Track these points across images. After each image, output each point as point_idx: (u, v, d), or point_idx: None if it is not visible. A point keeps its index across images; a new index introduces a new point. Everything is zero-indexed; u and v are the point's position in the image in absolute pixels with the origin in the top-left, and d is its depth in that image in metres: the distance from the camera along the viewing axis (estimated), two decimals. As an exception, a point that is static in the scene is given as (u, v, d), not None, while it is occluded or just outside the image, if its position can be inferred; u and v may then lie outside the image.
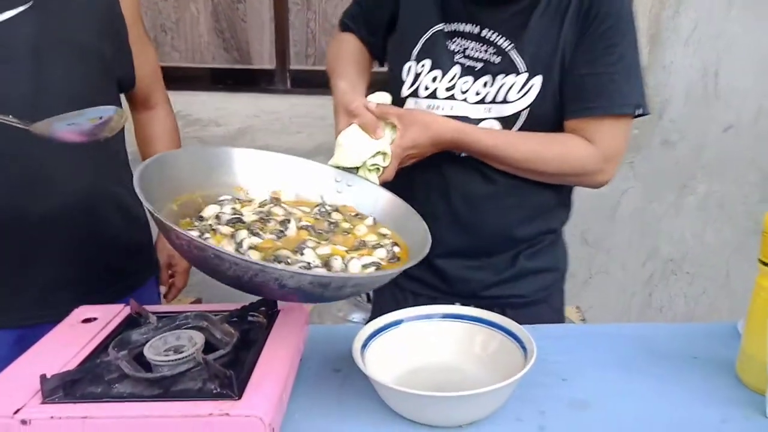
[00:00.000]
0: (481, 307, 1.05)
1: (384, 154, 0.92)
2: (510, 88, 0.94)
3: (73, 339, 0.75)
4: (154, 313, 0.82)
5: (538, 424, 0.69)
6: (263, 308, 0.82)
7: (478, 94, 0.97)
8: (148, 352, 0.70)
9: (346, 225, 0.83)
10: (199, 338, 0.74)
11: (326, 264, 0.73)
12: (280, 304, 0.84)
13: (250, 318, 0.81)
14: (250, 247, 0.73)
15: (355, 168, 0.91)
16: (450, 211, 1.04)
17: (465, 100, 0.98)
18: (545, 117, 0.95)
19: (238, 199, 0.85)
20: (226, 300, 0.89)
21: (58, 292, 1.01)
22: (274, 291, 0.67)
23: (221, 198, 0.83)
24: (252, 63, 2.05)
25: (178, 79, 1.89)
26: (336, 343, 0.84)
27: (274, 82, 1.91)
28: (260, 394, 0.63)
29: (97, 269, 1.07)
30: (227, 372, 0.63)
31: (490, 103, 0.96)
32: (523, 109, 0.94)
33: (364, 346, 0.75)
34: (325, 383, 0.78)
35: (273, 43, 1.94)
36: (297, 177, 0.90)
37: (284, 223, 0.79)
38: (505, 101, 0.95)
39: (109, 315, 0.82)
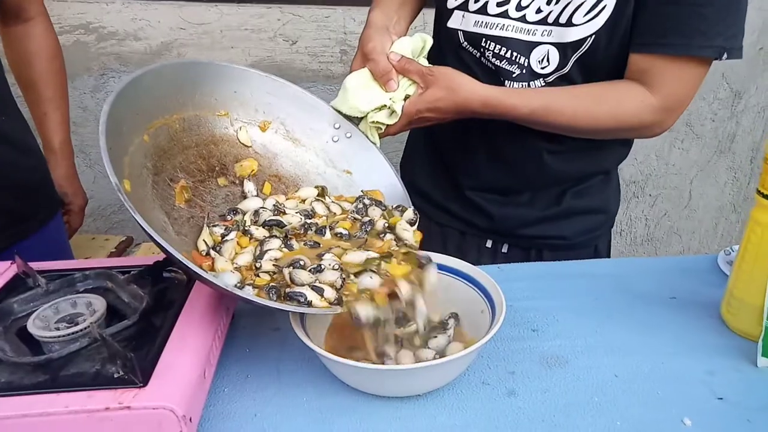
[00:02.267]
0: (517, 247, 0.97)
1: (392, 111, 0.76)
2: (578, 8, 0.76)
3: (-65, 313, 0.60)
4: (46, 271, 0.68)
5: (506, 387, 0.60)
6: (183, 262, 0.69)
7: (540, 11, 0.78)
8: (33, 326, 0.57)
9: (381, 223, 0.69)
10: (100, 305, 0.60)
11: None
12: (204, 255, 0.71)
13: (166, 275, 0.68)
14: (269, 259, 0.62)
15: (355, 118, 0.77)
16: (489, 146, 0.90)
17: (522, 18, 0.80)
18: (612, 48, 0.77)
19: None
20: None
21: None
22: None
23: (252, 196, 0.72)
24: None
25: (85, -16, 1.61)
26: (275, 296, 0.72)
27: (200, -13, 1.65)
28: (172, 377, 0.51)
29: None
30: (127, 354, 0.50)
31: (552, 24, 0.78)
32: (589, 36, 0.76)
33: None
34: (262, 346, 0.67)
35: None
36: (292, 111, 0.77)
37: (322, 231, 0.66)
38: (569, 23, 0.77)
39: (-11, 277, 0.67)
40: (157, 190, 0.64)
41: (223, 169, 0.72)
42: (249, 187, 0.72)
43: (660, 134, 0.83)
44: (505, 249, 0.97)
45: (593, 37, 0.77)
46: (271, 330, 0.70)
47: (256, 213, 0.67)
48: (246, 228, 0.65)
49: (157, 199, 0.63)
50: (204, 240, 0.63)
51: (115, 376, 0.51)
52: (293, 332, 0.58)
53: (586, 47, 0.78)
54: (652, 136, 0.85)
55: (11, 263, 0.69)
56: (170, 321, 0.59)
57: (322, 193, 0.74)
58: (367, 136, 0.77)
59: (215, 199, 0.70)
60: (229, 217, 0.68)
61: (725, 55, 0.74)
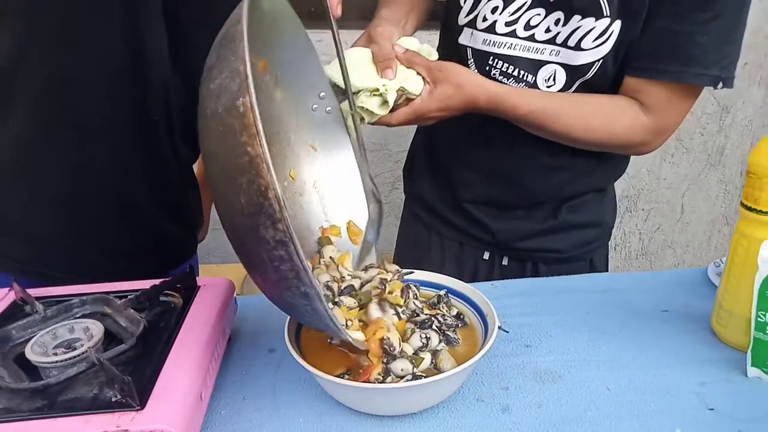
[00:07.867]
0: (514, 260, 0.98)
1: (384, 101, 0.74)
2: (587, 33, 0.77)
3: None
4: (43, 297, 0.68)
5: (501, 403, 0.60)
6: (179, 285, 0.70)
7: (548, 31, 0.79)
8: (31, 352, 0.58)
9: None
10: (97, 330, 0.61)
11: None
12: (201, 279, 0.72)
13: (162, 298, 0.68)
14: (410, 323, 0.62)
15: (340, 91, 0.71)
16: (488, 160, 0.91)
17: (531, 37, 0.81)
18: (616, 71, 0.79)
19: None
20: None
21: None
22: None
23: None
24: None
25: None
26: (271, 316, 0.73)
27: None
28: (169, 400, 0.52)
29: None
30: (124, 377, 0.51)
31: (561, 45, 0.79)
32: (597, 60, 0.78)
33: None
34: (258, 369, 0.67)
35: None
36: (292, 57, 0.67)
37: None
38: (578, 48, 0.78)
39: (-12, 304, 0.68)
40: None
41: None
42: (328, 253, 0.69)
43: (646, 154, 0.85)
44: (504, 262, 0.98)
45: (600, 62, 0.78)
46: (267, 351, 0.70)
47: (328, 287, 0.64)
48: (335, 301, 0.63)
49: None
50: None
51: (113, 399, 0.51)
52: (289, 354, 0.59)
53: (593, 72, 0.79)
54: (638, 155, 0.87)
55: (9, 290, 0.70)
56: (167, 344, 0.59)
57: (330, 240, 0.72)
58: (344, 119, 0.72)
59: None
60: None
61: (720, 84, 0.75)
